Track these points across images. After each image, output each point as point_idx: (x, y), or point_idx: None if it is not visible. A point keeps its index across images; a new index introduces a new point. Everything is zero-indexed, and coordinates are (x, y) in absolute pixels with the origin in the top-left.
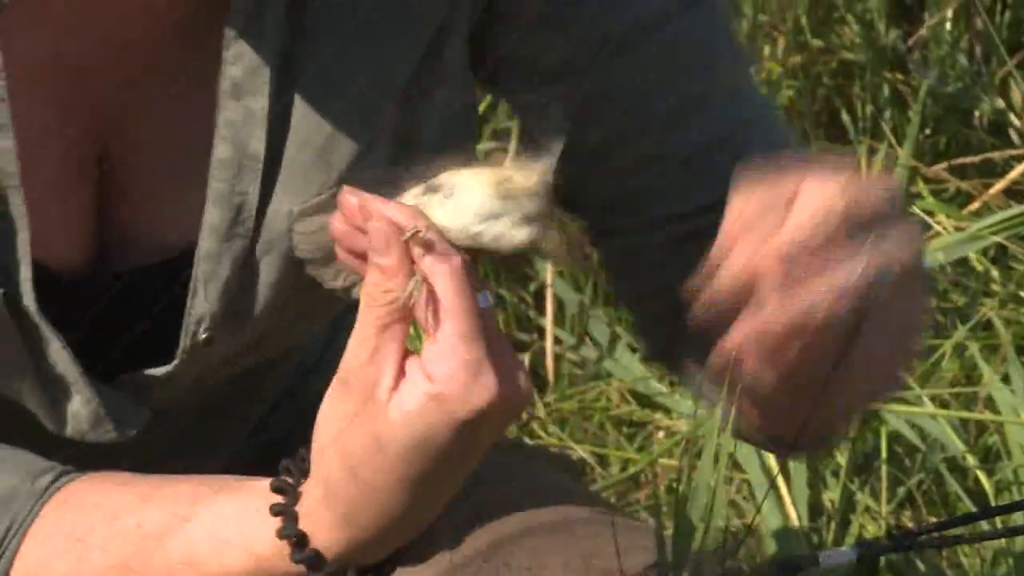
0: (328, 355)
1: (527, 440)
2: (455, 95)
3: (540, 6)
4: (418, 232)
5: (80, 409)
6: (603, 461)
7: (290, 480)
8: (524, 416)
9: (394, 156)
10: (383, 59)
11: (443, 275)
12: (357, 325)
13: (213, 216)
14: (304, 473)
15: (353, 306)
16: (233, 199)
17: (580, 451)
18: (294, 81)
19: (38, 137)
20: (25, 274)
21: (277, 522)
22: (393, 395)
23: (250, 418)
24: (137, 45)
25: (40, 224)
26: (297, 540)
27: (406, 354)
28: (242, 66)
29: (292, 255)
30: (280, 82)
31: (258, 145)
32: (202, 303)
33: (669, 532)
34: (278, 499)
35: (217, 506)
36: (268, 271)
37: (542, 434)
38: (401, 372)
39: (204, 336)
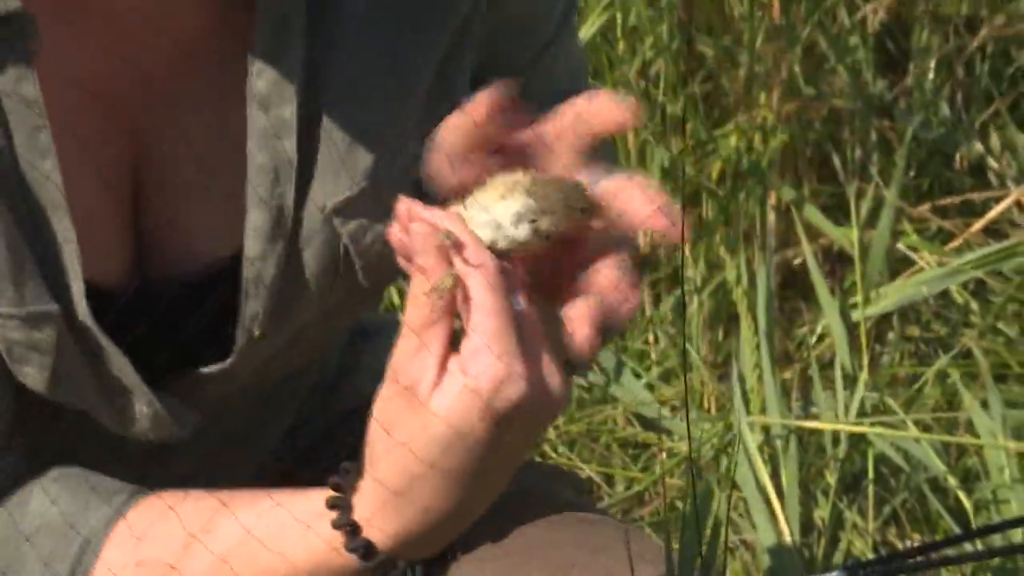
0: (343, 375)
1: (538, 459)
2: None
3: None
4: (451, 233)
5: (143, 411)
6: (609, 480)
7: (346, 477)
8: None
9: (420, 156)
10: (404, 64)
11: (475, 275)
12: (404, 325)
13: (256, 219)
14: (359, 472)
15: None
16: (272, 202)
17: (588, 470)
18: (319, 88)
19: (76, 161)
20: (78, 291)
21: (333, 514)
22: (434, 390)
23: (283, 422)
24: (164, 69)
25: (88, 241)
26: (351, 530)
27: (449, 352)
28: (268, 79)
29: (329, 248)
30: (306, 90)
31: (291, 150)
32: (254, 301)
33: (675, 547)
34: (334, 494)
35: (278, 506)
36: (309, 265)
37: (553, 454)
38: (443, 368)
39: (258, 332)
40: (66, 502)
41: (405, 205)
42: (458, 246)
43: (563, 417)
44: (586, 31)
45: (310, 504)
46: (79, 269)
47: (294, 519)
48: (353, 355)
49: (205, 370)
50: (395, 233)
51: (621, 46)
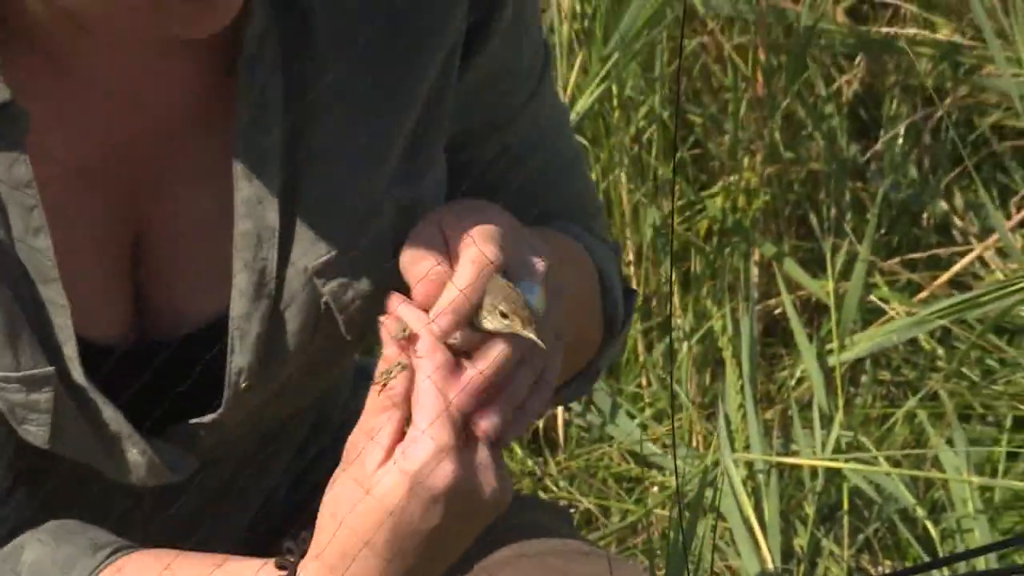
0: (350, 415)
1: (541, 493)
2: (441, 165)
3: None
4: (404, 330)
5: (137, 459)
6: (605, 511)
7: (291, 558)
8: (539, 473)
9: (396, 218)
10: (378, 133)
11: (422, 369)
12: (365, 407)
13: (241, 281)
14: (303, 552)
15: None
16: (256, 265)
17: (586, 503)
18: (299, 158)
19: (75, 229)
20: (71, 353)
21: None
22: (375, 471)
23: (283, 460)
24: (151, 144)
25: (84, 305)
26: None
27: (399, 438)
28: (252, 152)
29: (310, 305)
30: (287, 160)
31: (273, 217)
32: (239, 357)
33: (662, 573)
34: (280, 574)
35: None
36: (292, 322)
37: (554, 488)
38: (389, 453)
39: (244, 385)
40: (57, 554)
41: (393, 298)
42: (411, 338)
43: (563, 454)
44: (584, 101)
45: (261, 571)
46: (72, 334)
47: None
48: (356, 399)
49: (196, 421)
50: (382, 319)
51: (617, 115)
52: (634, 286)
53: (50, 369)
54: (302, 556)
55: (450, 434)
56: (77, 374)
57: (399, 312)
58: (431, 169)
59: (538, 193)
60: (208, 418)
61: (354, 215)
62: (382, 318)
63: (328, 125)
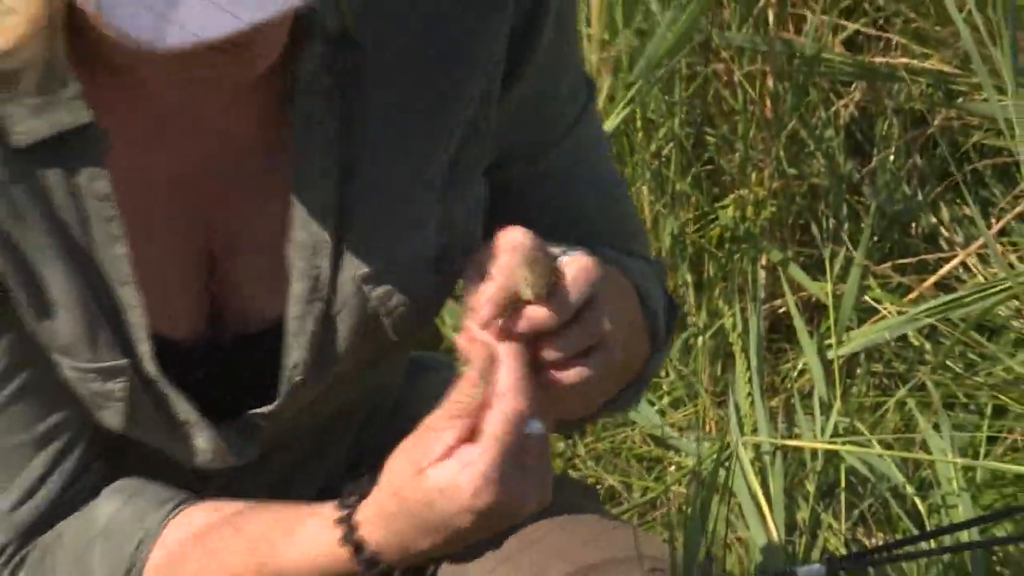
0: (400, 404)
1: (571, 471)
2: (480, 184)
3: (525, 89)
4: (492, 362)
5: (204, 445)
6: (628, 488)
7: (352, 500)
8: (569, 453)
9: (438, 232)
10: (424, 155)
11: (498, 403)
12: (439, 407)
13: (296, 288)
14: (364, 494)
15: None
16: (311, 272)
17: (611, 480)
18: (351, 178)
19: (155, 242)
20: (144, 348)
21: (340, 530)
22: (428, 468)
23: (340, 450)
24: (221, 159)
25: (165, 307)
26: (356, 547)
27: (461, 443)
28: (307, 172)
29: (359, 311)
30: (339, 179)
31: (326, 230)
32: (294, 353)
33: (680, 543)
34: (342, 513)
35: (297, 522)
36: (342, 324)
37: (582, 467)
38: (448, 454)
39: (299, 379)
40: (127, 508)
41: (477, 319)
42: (493, 372)
43: (591, 437)
44: (611, 123)
45: (321, 528)
46: (145, 330)
47: (307, 538)
48: (410, 387)
49: (256, 411)
50: (461, 338)
51: (640, 135)
52: None
53: (124, 361)
54: (362, 498)
55: (500, 466)
56: (150, 367)
57: (486, 340)
58: (471, 188)
59: (578, 217)
60: (266, 409)
61: (399, 230)
62: (468, 337)
63: (377, 150)
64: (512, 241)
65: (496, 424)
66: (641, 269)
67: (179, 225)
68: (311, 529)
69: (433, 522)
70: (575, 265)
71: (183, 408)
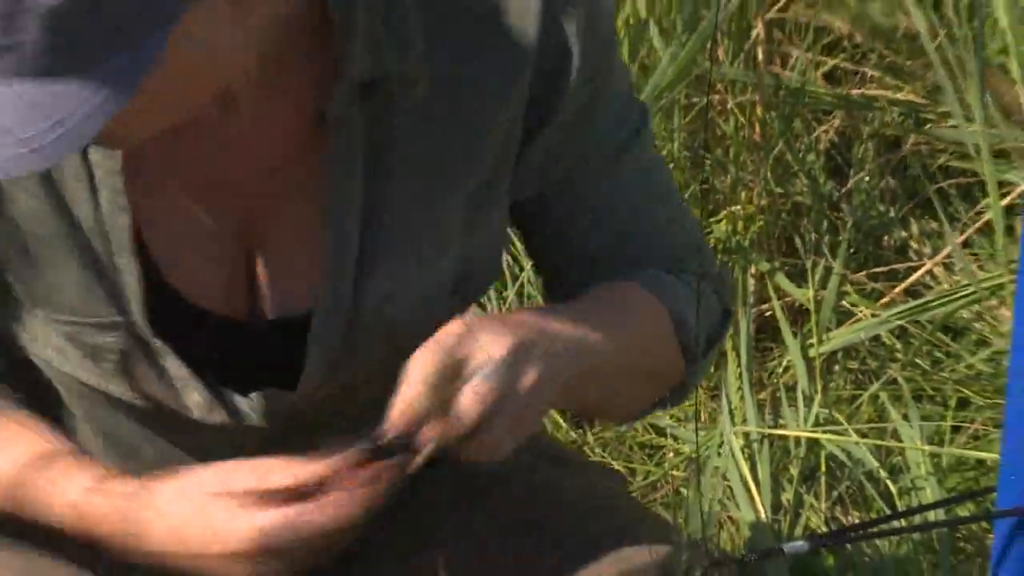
0: None
1: (591, 457)
2: (503, 216)
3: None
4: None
5: (197, 399)
6: (632, 472)
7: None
8: (580, 441)
9: (457, 262)
10: (448, 188)
11: (322, 501)
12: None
13: (325, 295)
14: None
15: None
16: (340, 281)
17: (616, 465)
18: (377, 203)
19: (199, 227)
20: (136, 308)
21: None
22: (232, 497)
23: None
24: (264, 171)
25: (204, 285)
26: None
27: (283, 492)
28: (339, 192)
29: (380, 322)
30: (367, 202)
31: (353, 247)
32: (317, 349)
33: (680, 520)
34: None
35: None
36: (364, 335)
37: (591, 454)
38: (259, 498)
39: (320, 372)
40: None
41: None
42: (351, 478)
43: (599, 426)
44: None
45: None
46: (139, 293)
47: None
48: None
49: (274, 390)
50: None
51: None
52: None
53: (118, 318)
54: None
55: (285, 541)
56: (141, 325)
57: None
58: (492, 220)
59: (625, 239)
60: (284, 393)
61: (422, 255)
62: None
63: (402, 182)
64: (416, 372)
65: (310, 512)
66: (675, 291)
67: (224, 226)
68: (62, 483)
69: (188, 539)
70: (469, 392)
71: (173, 364)
